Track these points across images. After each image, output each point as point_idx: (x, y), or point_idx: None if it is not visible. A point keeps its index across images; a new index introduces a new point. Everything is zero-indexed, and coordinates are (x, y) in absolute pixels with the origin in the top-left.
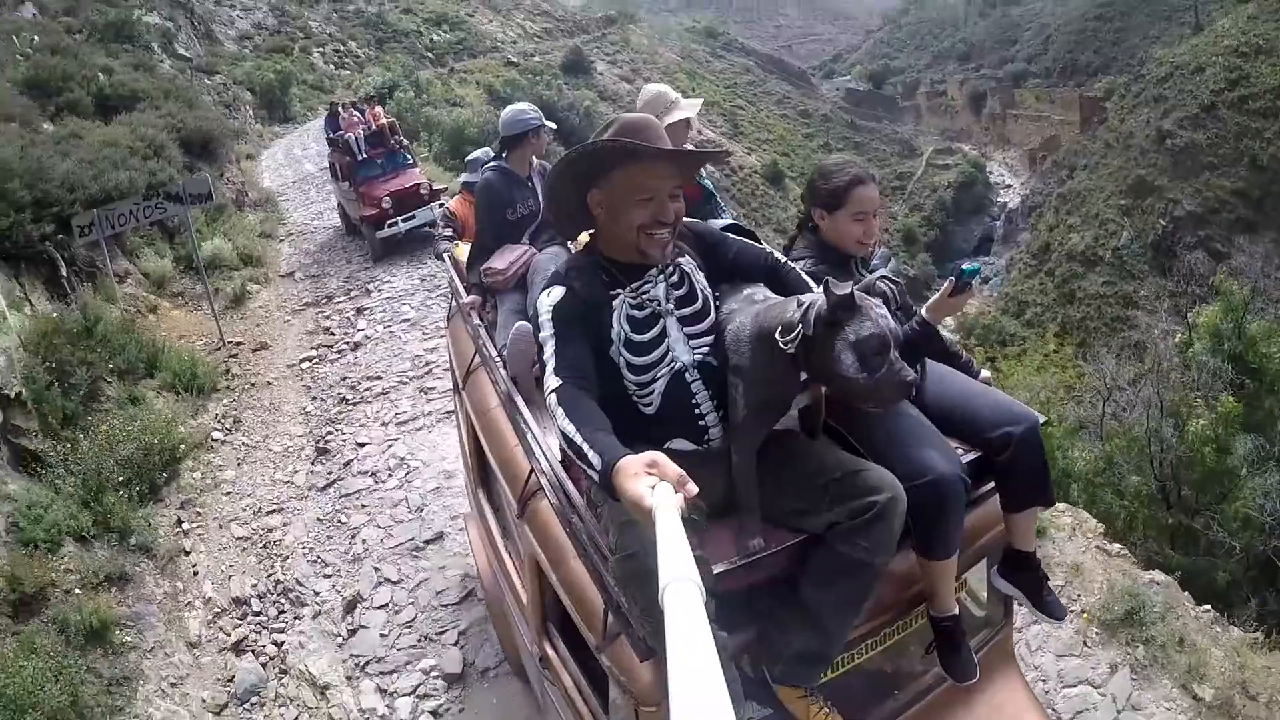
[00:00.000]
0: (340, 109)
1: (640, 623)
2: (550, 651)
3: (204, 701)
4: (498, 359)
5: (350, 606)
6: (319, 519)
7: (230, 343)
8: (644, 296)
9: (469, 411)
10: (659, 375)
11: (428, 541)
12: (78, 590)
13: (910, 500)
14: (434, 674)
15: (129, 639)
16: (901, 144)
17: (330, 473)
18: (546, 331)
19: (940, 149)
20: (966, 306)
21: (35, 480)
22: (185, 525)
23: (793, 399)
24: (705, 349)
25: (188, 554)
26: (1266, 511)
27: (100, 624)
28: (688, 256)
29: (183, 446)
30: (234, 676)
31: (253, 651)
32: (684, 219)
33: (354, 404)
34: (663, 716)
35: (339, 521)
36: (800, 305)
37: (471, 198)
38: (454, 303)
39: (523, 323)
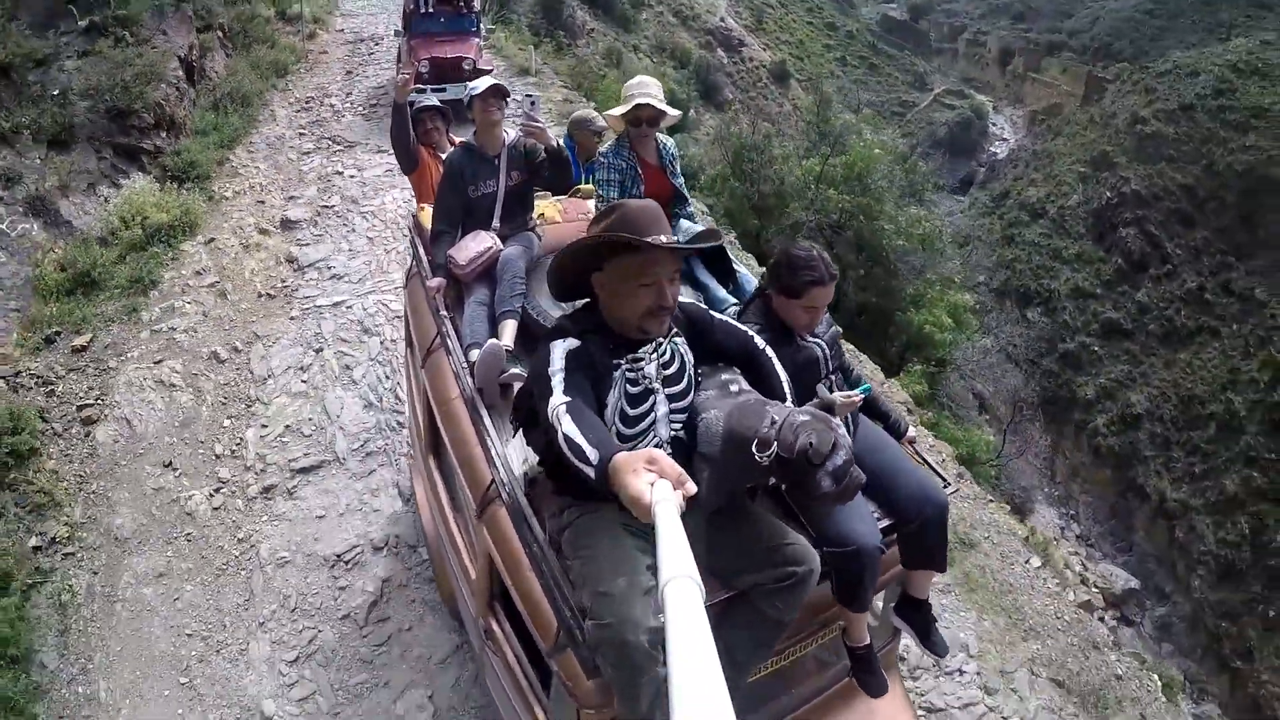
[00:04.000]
0: None
1: (619, 698)
2: (495, 627)
3: (289, 117)
4: (466, 364)
5: (347, 94)
6: (344, 79)
7: (308, 51)
8: (638, 372)
9: (427, 391)
10: (641, 448)
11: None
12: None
13: (835, 563)
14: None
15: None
16: (916, 76)
17: (353, 80)
18: (557, 366)
19: (952, 90)
20: None
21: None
22: (289, 86)
23: (751, 486)
24: (679, 425)
25: (289, 90)
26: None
27: (252, 90)
28: (681, 337)
29: (290, 67)
30: (300, 114)
31: (315, 113)
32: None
33: (370, 65)
34: (605, 717)
35: (353, 77)
36: (774, 423)
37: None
38: (412, 263)
39: (493, 341)
